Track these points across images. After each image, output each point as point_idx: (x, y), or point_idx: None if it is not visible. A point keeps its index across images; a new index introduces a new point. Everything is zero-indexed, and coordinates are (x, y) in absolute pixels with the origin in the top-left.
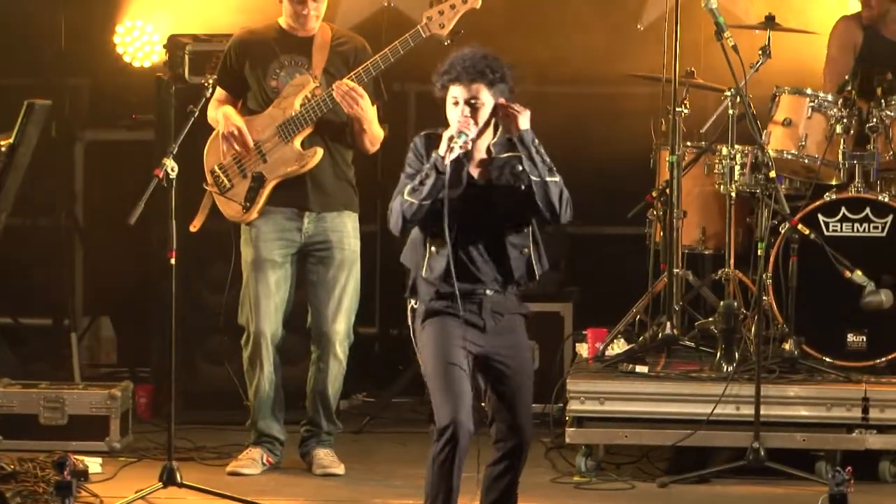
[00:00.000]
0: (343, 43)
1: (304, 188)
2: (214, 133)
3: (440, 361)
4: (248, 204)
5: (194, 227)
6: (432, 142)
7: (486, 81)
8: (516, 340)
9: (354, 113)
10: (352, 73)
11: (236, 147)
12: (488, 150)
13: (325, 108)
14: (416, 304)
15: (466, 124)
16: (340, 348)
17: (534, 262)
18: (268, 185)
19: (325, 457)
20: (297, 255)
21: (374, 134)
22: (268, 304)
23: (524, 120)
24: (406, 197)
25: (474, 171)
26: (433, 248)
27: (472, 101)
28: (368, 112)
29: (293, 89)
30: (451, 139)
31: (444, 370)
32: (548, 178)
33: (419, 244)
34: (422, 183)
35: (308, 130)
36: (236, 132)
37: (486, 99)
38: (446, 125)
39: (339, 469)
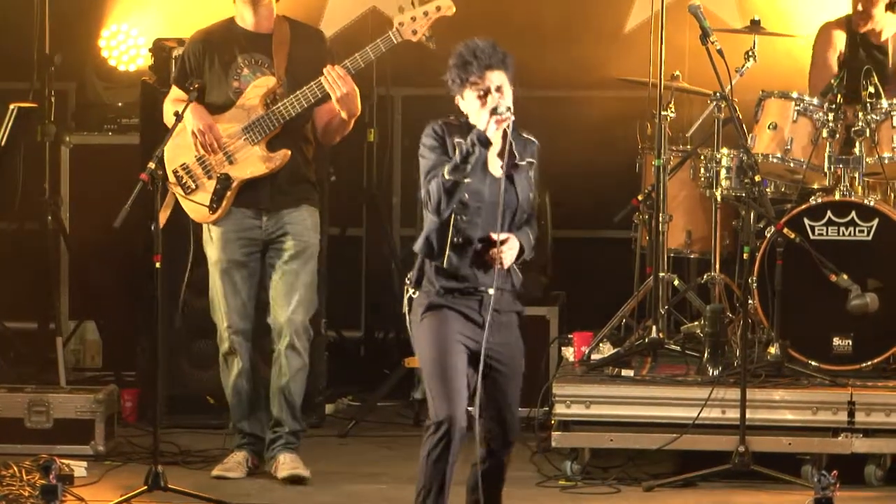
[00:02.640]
0: (301, 36)
1: (265, 189)
2: (175, 131)
3: (440, 355)
4: (214, 206)
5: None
6: (452, 130)
7: (506, 67)
8: (511, 338)
9: (343, 100)
10: (344, 63)
11: (204, 145)
12: (504, 155)
13: (294, 111)
14: (414, 293)
15: (506, 115)
16: (299, 341)
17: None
18: (234, 186)
19: (290, 461)
20: (259, 253)
21: (347, 129)
22: (236, 301)
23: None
24: (448, 176)
25: (495, 168)
26: (455, 240)
27: (500, 87)
28: (355, 102)
29: (256, 90)
30: (493, 111)
31: (444, 364)
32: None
33: (438, 234)
34: (465, 161)
35: (274, 133)
36: (207, 129)
37: (507, 84)
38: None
39: (305, 473)
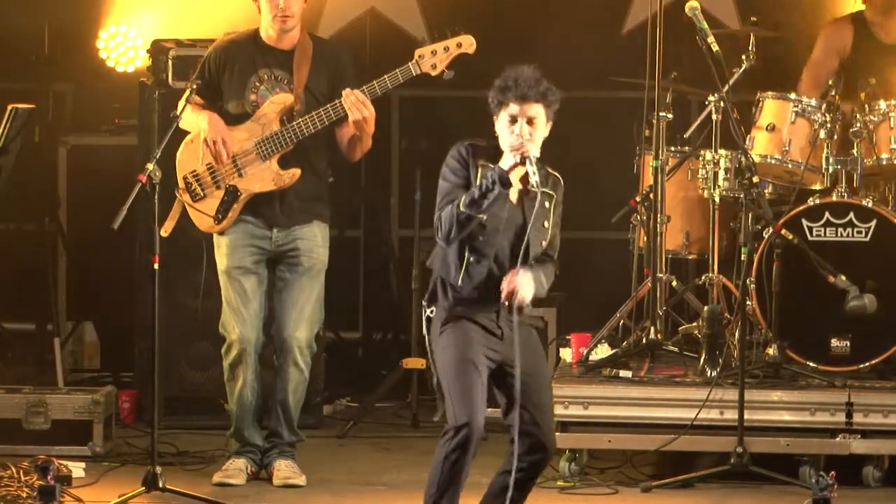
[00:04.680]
0: (323, 54)
1: (274, 204)
2: (189, 138)
3: (459, 362)
4: (219, 216)
5: (165, 231)
6: (479, 152)
7: (546, 102)
8: (533, 351)
9: (360, 124)
10: (362, 89)
11: (215, 156)
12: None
13: (308, 131)
14: (432, 312)
15: (524, 146)
16: (301, 357)
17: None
18: (241, 199)
19: (285, 468)
20: (267, 263)
21: (367, 144)
22: (247, 311)
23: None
24: (463, 209)
25: (513, 192)
26: (472, 259)
27: (532, 120)
28: (371, 125)
29: (273, 106)
30: (523, 157)
31: (463, 371)
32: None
33: (454, 252)
34: (483, 196)
35: (287, 150)
36: (219, 142)
37: (542, 118)
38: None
39: (300, 480)
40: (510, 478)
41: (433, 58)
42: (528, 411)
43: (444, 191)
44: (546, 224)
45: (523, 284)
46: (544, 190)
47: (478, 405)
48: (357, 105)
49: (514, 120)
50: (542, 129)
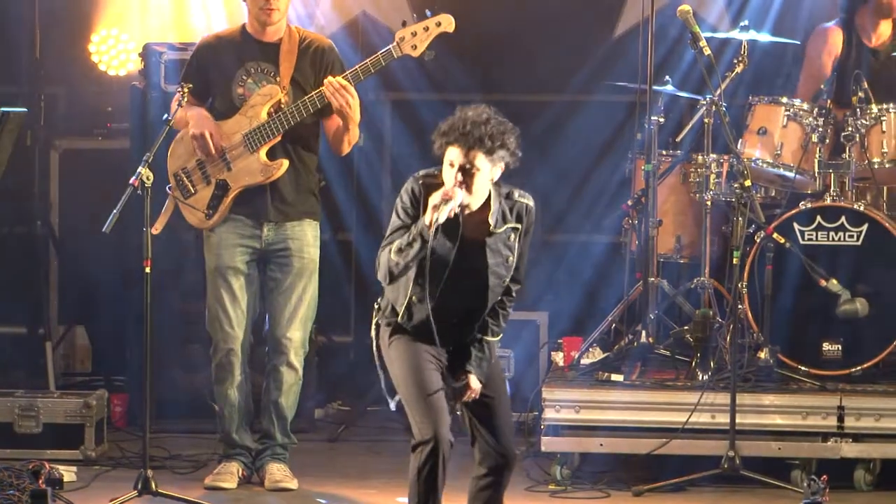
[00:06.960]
0: (309, 47)
1: (265, 198)
2: (179, 136)
3: (415, 376)
4: (210, 211)
5: (155, 230)
6: (431, 189)
7: (484, 149)
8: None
9: (343, 110)
10: (344, 75)
11: (201, 149)
12: (486, 221)
13: (294, 120)
14: (380, 320)
15: (451, 193)
16: (296, 357)
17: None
18: (231, 193)
19: (277, 471)
20: (257, 262)
21: (355, 135)
22: (235, 310)
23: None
24: (392, 256)
25: (468, 231)
26: (414, 298)
27: (467, 167)
28: (356, 112)
29: (260, 98)
30: (435, 207)
31: (420, 384)
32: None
33: (402, 285)
34: (409, 245)
35: (274, 141)
36: (206, 135)
37: (483, 165)
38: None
39: (292, 484)
40: (480, 482)
41: (413, 39)
42: (487, 426)
43: (392, 227)
44: (511, 259)
45: (476, 385)
46: (510, 226)
47: (441, 416)
48: (340, 91)
49: (452, 165)
50: (485, 173)
